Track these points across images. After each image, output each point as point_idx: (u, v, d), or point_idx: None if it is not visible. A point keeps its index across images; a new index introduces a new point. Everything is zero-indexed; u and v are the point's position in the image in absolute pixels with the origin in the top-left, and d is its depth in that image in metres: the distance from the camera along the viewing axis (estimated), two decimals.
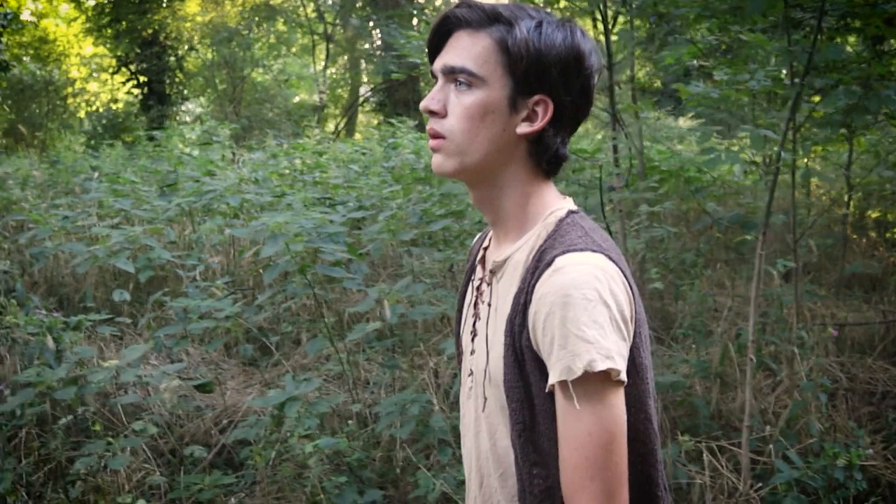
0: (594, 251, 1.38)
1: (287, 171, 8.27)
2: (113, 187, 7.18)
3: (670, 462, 3.94)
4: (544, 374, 1.37)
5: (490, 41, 1.44)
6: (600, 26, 5.05)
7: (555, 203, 1.51)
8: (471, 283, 1.66)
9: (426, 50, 1.55)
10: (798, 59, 4.38)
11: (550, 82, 1.44)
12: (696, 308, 5.55)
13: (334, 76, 24.79)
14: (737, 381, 4.79)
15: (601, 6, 4.48)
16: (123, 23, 20.69)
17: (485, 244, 1.64)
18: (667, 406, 4.59)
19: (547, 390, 1.37)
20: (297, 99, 24.34)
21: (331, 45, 21.25)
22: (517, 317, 1.40)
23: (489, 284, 1.56)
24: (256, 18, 20.50)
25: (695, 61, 6.92)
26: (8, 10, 7.10)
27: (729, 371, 4.87)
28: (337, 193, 6.87)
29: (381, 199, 6.52)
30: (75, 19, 22.72)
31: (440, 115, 1.47)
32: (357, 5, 20.27)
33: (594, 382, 1.31)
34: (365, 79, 24.21)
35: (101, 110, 22.88)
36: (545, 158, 1.48)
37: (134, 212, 6.38)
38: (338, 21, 21.12)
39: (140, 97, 21.47)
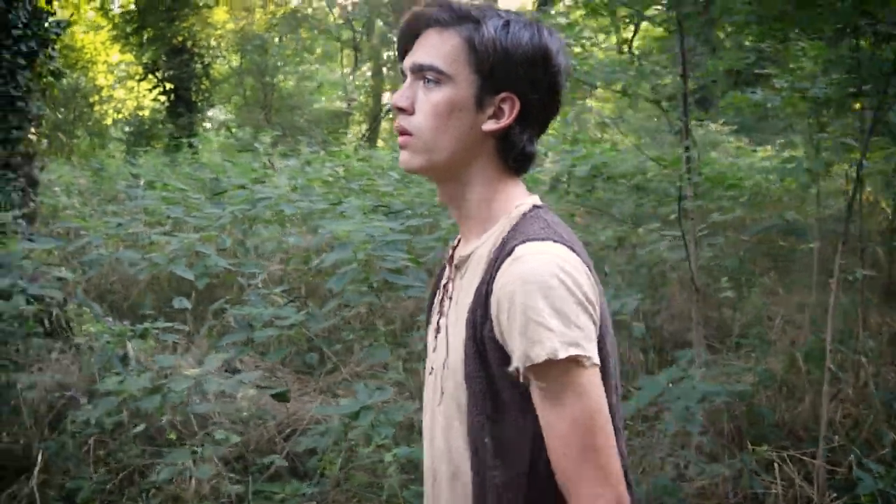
0: (555, 241, 1.38)
1: (331, 179, 8.28)
2: (162, 195, 7.21)
3: (744, 472, 3.92)
4: (508, 364, 1.36)
5: (459, 39, 1.46)
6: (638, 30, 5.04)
7: (521, 198, 1.51)
8: (440, 284, 1.66)
9: (396, 48, 1.58)
10: (865, 67, 4.35)
11: (517, 80, 1.46)
12: (753, 317, 5.52)
13: (357, 83, 24.86)
14: (801, 390, 4.76)
15: (678, 13, 4.46)
16: (150, 30, 20.81)
17: (455, 244, 1.64)
18: (733, 415, 4.57)
19: (516, 378, 1.35)
20: (317, 105, 24.41)
21: (357, 53, 21.31)
22: (478, 308, 1.40)
23: (453, 280, 1.56)
24: (284, 26, 20.56)
25: (736, 69, 6.88)
26: (61, 19, 7.12)
27: (793, 380, 4.84)
28: (386, 201, 6.88)
29: (431, 206, 6.53)
30: (102, 27, 22.95)
31: (408, 112, 1.49)
32: (382, 12, 20.35)
33: (565, 369, 1.31)
34: (388, 86, 24.30)
35: (128, 117, 23.01)
36: (511, 156, 1.49)
37: (186, 219, 6.41)
38: (363, 28, 21.21)
39: (166, 104, 21.58)
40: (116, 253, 6.00)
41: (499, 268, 1.38)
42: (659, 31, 6.27)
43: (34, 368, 4.74)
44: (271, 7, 20.31)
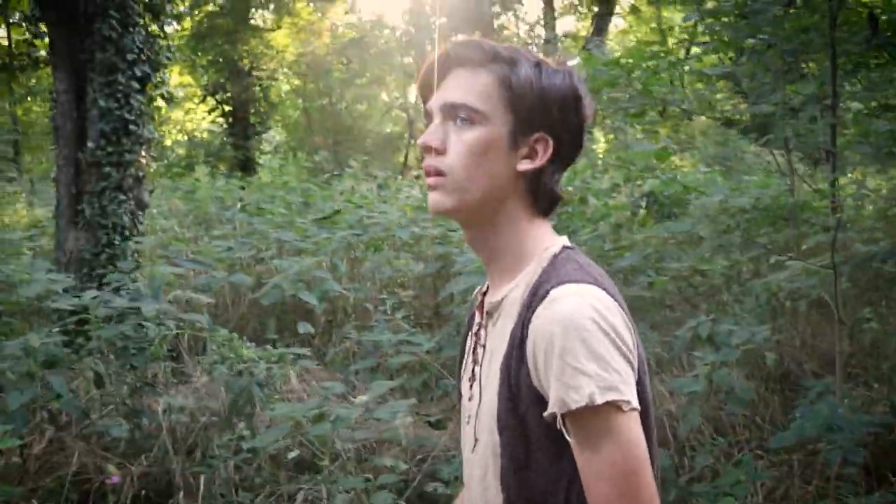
0: (589, 283, 1.36)
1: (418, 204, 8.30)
2: (269, 218, 7.25)
3: None
4: (543, 409, 1.33)
5: (492, 78, 1.45)
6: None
7: (548, 240, 1.49)
8: (471, 331, 1.63)
9: (419, 89, 1.55)
10: None
11: (551, 121, 1.45)
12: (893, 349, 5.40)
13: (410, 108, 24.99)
14: None
15: (832, 41, 4.41)
16: (212, 53, 21.07)
17: (483, 289, 1.61)
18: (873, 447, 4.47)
19: (552, 423, 1.33)
20: (372, 127, 24.59)
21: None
22: (513, 352, 1.37)
23: (485, 327, 1.53)
24: (349, 49, 20.74)
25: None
26: (171, 43, 7.22)
27: None
28: None
29: None
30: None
31: (439, 152, 1.45)
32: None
33: (604, 414, 1.28)
34: None
35: (187, 138, 23.31)
36: (542, 196, 1.48)
37: (296, 243, 6.43)
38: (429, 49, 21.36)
39: (225, 126, 21.83)
40: (231, 277, 6.01)
41: (534, 311, 1.36)
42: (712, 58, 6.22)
43: (172, 392, 4.77)
44: (333, 31, 20.48)
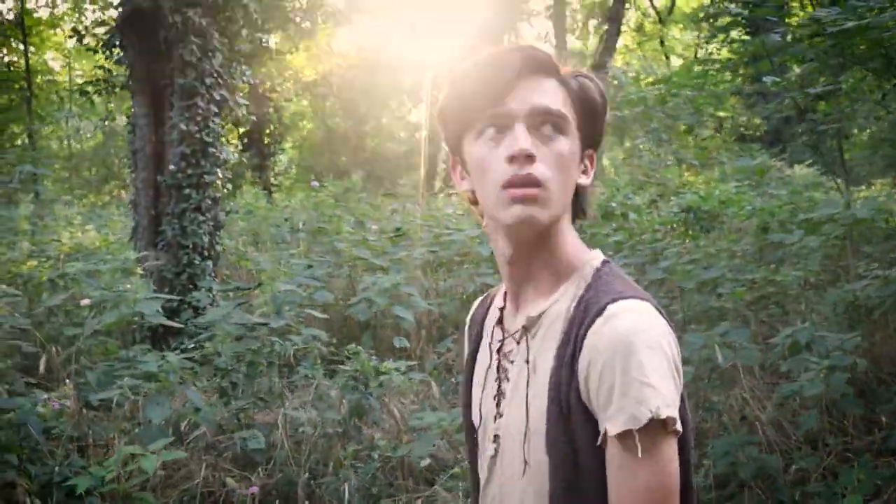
0: (643, 300, 1.34)
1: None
2: (335, 237, 7.40)
3: None
4: (593, 428, 1.31)
5: (564, 89, 1.42)
6: None
7: (585, 253, 1.46)
8: (483, 350, 1.58)
9: (478, 89, 1.40)
10: None
11: (597, 136, 1.47)
12: None
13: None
14: None
15: None
16: None
17: (498, 305, 1.57)
18: None
19: (599, 442, 1.30)
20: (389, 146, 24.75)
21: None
22: (563, 369, 1.33)
23: (519, 342, 1.46)
24: (363, 70, 20.96)
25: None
26: (247, 67, 7.39)
27: None
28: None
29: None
30: None
31: (534, 160, 1.35)
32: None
33: (654, 433, 1.25)
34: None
35: None
36: (584, 210, 1.49)
37: (375, 261, 6.59)
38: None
39: (240, 147, 21.94)
40: (314, 293, 6.17)
41: (588, 327, 1.32)
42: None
43: (291, 405, 4.91)
44: (343, 55, 20.70)
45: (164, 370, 4.36)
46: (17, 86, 21.31)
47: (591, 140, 1.45)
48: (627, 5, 24.30)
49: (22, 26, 21.62)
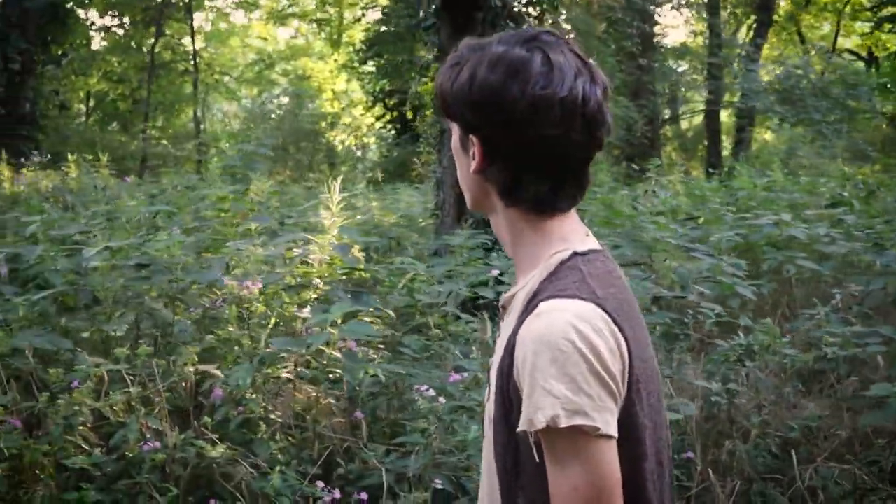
0: (583, 299, 1.31)
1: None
2: None
3: None
4: None
5: None
6: None
7: (561, 243, 1.42)
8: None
9: None
10: None
11: (472, 123, 1.40)
12: None
13: None
14: None
15: None
16: (384, 57, 21.45)
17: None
18: None
19: (526, 438, 1.31)
20: None
21: None
22: (506, 358, 1.35)
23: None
24: None
25: None
26: None
27: None
28: None
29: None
30: (329, 55, 23.84)
31: None
32: None
33: (571, 437, 1.25)
34: None
35: (353, 145, 23.83)
36: (508, 197, 1.42)
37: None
38: None
39: (393, 132, 22.26)
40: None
41: (524, 321, 1.33)
42: None
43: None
44: None
45: None
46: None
47: (469, 127, 1.42)
48: None
49: (189, 10, 22.37)
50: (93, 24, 22.71)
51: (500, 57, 1.37)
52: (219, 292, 4.51)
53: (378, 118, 22.84)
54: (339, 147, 23.60)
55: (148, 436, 3.54)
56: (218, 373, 3.74)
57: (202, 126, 22.55)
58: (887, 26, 20.07)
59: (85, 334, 4.21)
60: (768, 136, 26.11)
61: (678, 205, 9.52)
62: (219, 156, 20.72)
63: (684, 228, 7.22)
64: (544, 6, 7.15)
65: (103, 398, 3.60)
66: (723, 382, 4.67)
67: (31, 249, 4.61)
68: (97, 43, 23.20)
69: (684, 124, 28.32)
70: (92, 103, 24.44)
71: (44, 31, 16.28)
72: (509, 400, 1.34)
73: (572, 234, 1.44)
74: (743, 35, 25.03)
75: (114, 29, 23.25)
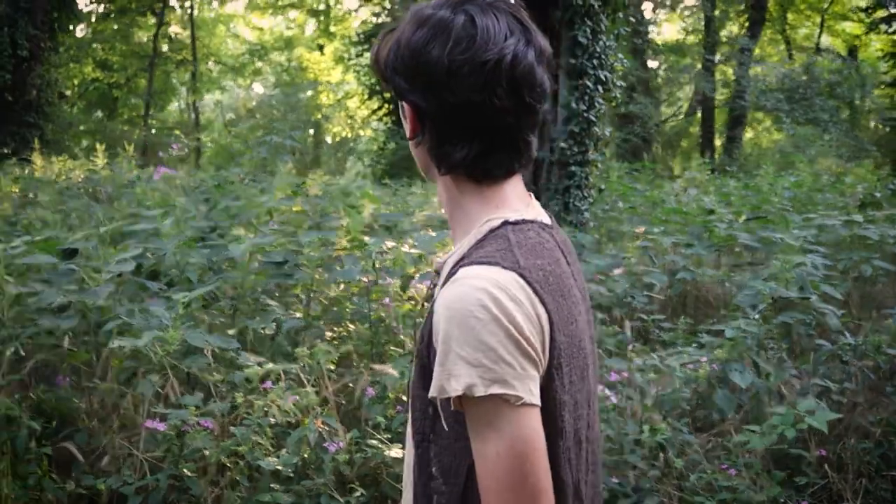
0: (503, 267, 1.28)
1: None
2: None
3: None
4: None
5: None
6: None
7: (495, 211, 1.39)
8: None
9: None
10: None
11: (400, 88, 1.37)
12: None
13: None
14: None
15: None
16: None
17: None
18: None
19: (437, 404, 1.31)
20: None
21: None
22: (425, 325, 1.34)
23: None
24: None
25: None
26: (619, 53, 7.58)
27: None
28: None
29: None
30: (322, 47, 23.70)
31: None
32: None
33: (490, 405, 1.22)
34: None
35: (349, 136, 23.72)
36: (440, 163, 1.39)
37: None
38: None
39: (388, 125, 22.19)
40: None
41: (443, 285, 1.32)
42: None
43: None
44: None
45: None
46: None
47: (397, 91, 1.39)
48: None
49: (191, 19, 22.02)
50: (89, 12, 22.37)
51: (425, 19, 1.35)
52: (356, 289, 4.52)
53: (374, 111, 22.77)
54: (336, 139, 23.48)
55: (325, 436, 3.55)
56: (393, 372, 3.74)
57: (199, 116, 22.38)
58: (882, 28, 20.50)
59: (231, 332, 4.18)
60: (749, 133, 26.45)
61: (712, 202, 9.62)
62: (216, 145, 20.81)
63: (746, 227, 7.32)
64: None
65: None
66: (838, 381, 4.78)
67: (160, 244, 4.55)
68: (80, 30, 22.85)
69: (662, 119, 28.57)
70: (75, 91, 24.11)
71: (50, 17, 15.96)
72: (427, 366, 1.31)
73: (509, 202, 1.40)
74: (735, 32, 25.26)
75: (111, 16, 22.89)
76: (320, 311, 4.77)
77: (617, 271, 5.33)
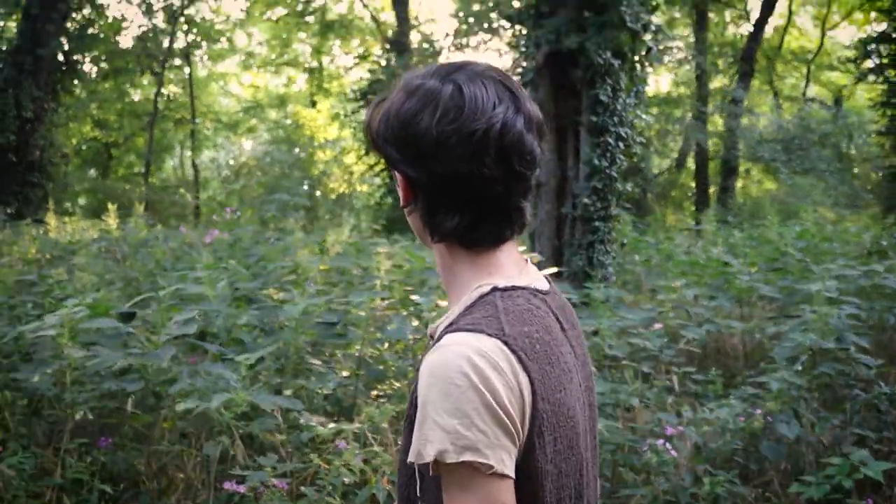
0: (488, 334, 1.28)
1: None
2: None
3: None
4: None
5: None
6: None
7: (487, 277, 1.40)
8: None
9: None
10: None
11: (393, 160, 1.38)
12: None
13: None
14: None
15: None
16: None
17: None
18: None
19: (414, 469, 1.32)
20: None
21: None
22: (414, 389, 1.33)
23: None
24: None
25: None
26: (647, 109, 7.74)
27: None
28: None
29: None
30: (315, 104, 23.90)
31: None
32: None
33: (462, 472, 1.22)
34: None
35: (348, 192, 23.78)
36: (435, 232, 1.39)
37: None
38: None
39: (386, 180, 22.28)
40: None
41: (428, 353, 1.32)
42: None
43: None
44: None
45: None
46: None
47: (389, 160, 1.40)
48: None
49: (188, 58, 22.32)
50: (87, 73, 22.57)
51: (414, 90, 1.36)
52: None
53: (371, 166, 22.90)
54: (333, 196, 23.58)
55: (392, 495, 3.58)
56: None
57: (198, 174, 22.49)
58: (871, 78, 20.90)
59: (287, 392, 4.22)
60: (738, 183, 26.77)
61: (720, 253, 9.75)
62: (214, 203, 20.90)
63: (768, 278, 7.44)
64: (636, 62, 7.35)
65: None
66: (875, 430, 4.85)
67: (211, 306, 4.59)
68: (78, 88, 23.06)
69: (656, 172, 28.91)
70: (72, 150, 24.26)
71: (54, 78, 16.12)
72: (412, 429, 1.31)
73: (502, 268, 1.41)
74: (726, 83, 25.71)
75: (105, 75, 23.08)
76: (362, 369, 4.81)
77: (657, 326, 5.41)
